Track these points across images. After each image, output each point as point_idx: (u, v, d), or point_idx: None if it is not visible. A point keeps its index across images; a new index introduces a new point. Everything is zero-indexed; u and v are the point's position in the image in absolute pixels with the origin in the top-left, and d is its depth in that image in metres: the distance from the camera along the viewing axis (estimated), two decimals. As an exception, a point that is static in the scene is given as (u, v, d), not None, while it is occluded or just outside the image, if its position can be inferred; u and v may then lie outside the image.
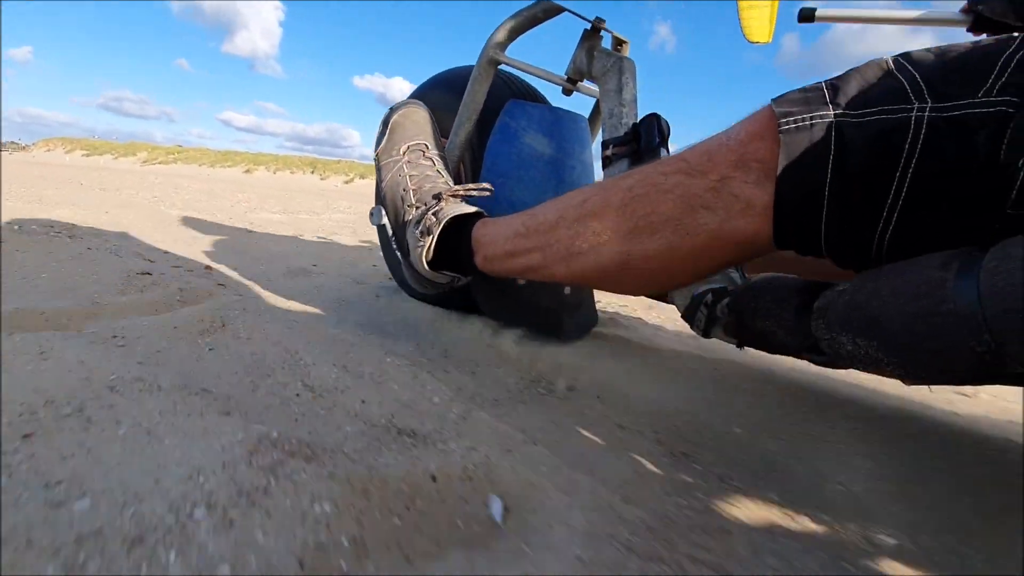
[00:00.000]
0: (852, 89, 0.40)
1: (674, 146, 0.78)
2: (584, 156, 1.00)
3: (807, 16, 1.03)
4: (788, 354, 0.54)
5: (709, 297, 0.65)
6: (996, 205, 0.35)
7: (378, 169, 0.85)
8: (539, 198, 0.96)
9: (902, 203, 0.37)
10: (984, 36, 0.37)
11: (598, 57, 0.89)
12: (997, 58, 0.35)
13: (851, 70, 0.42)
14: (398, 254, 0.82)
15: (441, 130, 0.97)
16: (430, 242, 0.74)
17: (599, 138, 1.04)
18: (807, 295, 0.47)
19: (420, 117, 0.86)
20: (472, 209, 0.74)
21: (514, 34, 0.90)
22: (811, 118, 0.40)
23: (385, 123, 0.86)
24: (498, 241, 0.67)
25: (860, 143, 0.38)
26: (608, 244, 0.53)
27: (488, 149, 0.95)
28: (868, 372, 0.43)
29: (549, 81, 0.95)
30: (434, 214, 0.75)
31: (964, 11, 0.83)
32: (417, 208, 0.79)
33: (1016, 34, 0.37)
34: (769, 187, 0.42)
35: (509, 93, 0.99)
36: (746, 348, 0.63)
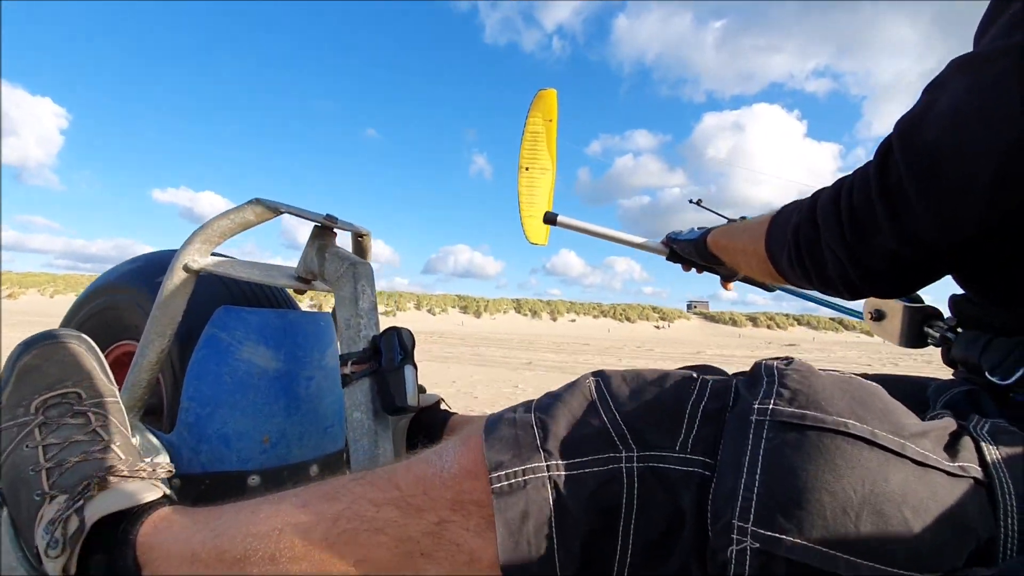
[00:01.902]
0: (562, 429, 0.38)
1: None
2: (325, 361, 0.86)
3: (550, 219, 1.15)
4: None
5: None
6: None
7: (-9, 438, 0.58)
8: (264, 426, 0.78)
9: (630, 561, 0.36)
10: (672, 372, 0.37)
11: (330, 259, 0.79)
12: (684, 407, 0.38)
13: (558, 400, 0.40)
14: (25, 569, 0.54)
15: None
16: (67, 557, 0.50)
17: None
18: None
19: (70, 353, 0.62)
20: (141, 498, 0.53)
21: (220, 238, 0.75)
22: (523, 472, 0.36)
23: (9, 367, 0.60)
24: (172, 561, 0.47)
25: (578, 506, 0.36)
26: None
27: (190, 370, 0.75)
28: None
29: (273, 285, 0.81)
30: (76, 511, 0.51)
31: (664, 243, 0.96)
32: (52, 499, 0.54)
33: (695, 374, 0.40)
34: (492, 537, 0.37)
35: (226, 296, 0.82)
36: None
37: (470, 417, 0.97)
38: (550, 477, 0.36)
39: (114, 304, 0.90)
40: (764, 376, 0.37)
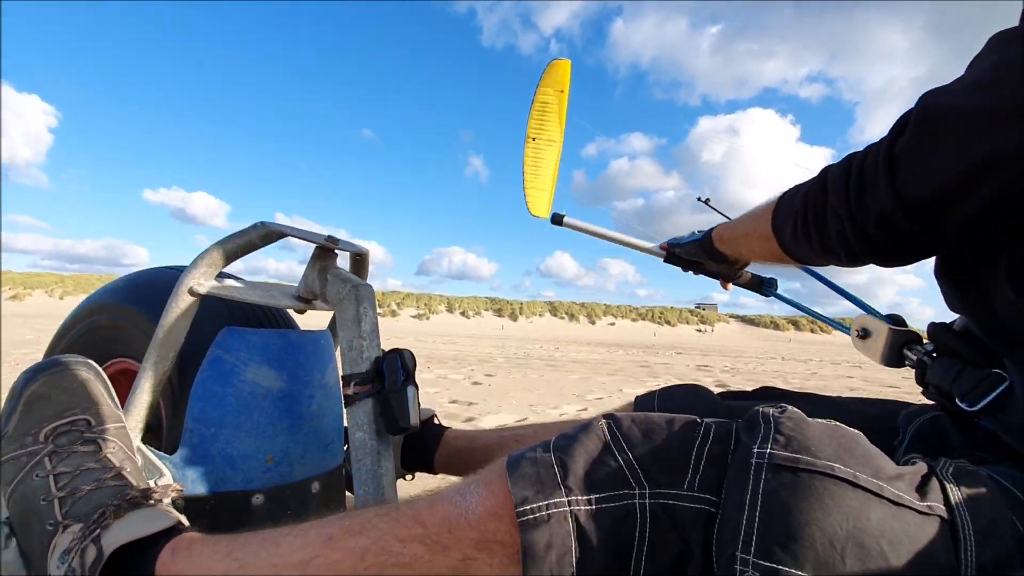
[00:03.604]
0: (580, 467, 0.41)
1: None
2: (325, 380, 0.87)
3: (557, 219, 1.16)
4: None
5: None
6: None
7: (2, 468, 0.58)
8: (267, 446, 0.79)
9: None
10: (677, 416, 0.41)
11: (332, 281, 0.80)
12: (691, 449, 0.41)
13: (575, 440, 0.43)
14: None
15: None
16: (85, 588, 0.51)
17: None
18: None
19: (79, 381, 0.63)
20: (158, 525, 0.54)
21: (224, 261, 0.75)
22: (547, 507, 0.40)
23: (16, 396, 0.60)
24: None
25: (597, 538, 0.39)
26: None
27: (194, 392, 0.75)
28: None
29: (276, 306, 0.82)
30: (93, 540, 0.52)
31: (662, 247, 1.00)
32: (66, 528, 0.55)
33: (699, 419, 0.43)
34: (514, 572, 0.40)
35: (227, 317, 0.82)
36: None
37: (464, 432, 0.99)
38: (571, 512, 0.39)
39: (108, 323, 0.90)
40: (762, 423, 0.41)
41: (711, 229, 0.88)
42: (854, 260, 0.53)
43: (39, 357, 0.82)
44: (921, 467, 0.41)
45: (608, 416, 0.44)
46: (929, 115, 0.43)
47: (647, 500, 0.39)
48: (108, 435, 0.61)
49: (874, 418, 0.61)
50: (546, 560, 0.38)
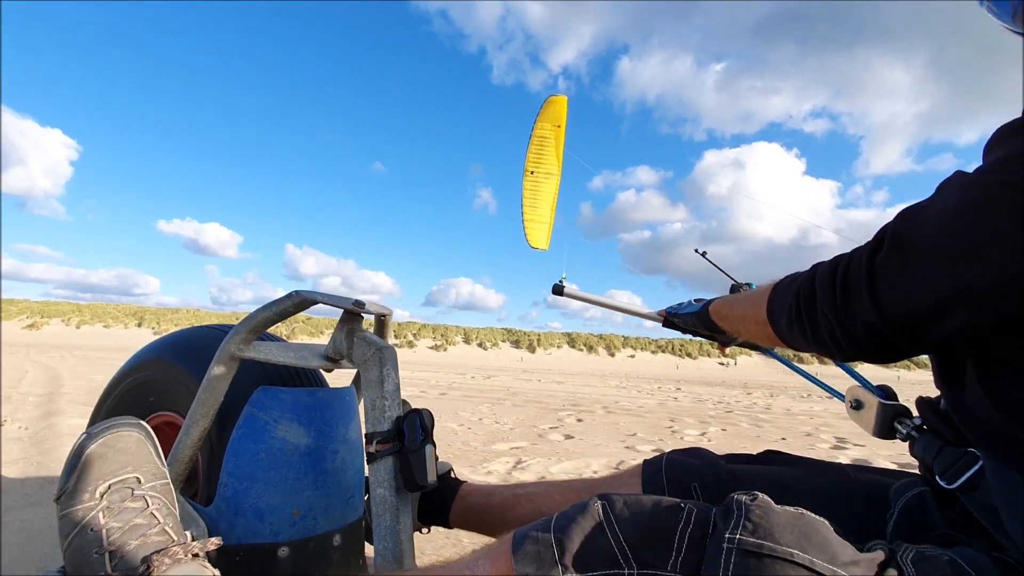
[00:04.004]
0: (575, 546, 0.46)
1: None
2: (349, 434, 0.93)
3: (558, 290, 1.21)
4: None
5: None
6: None
7: (60, 521, 0.64)
8: (294, 500, 0.84)
9: None
10: (664, 499, 0.46)
11: (358, 344, 0.87)
12: (674, 533, 0.46)
13: (572, 521, 0.48)
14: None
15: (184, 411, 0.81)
16: (132, 638, 0.56)
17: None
18: None
19: (131, 442, 0.70)
20: (204, 574, 0.59)
21: (263, 327, 0.83)
22: None
23: (77, 455, 0.67)
24: None
25: None
26: None
27: (230, 447, 0.81)
28: None
29: (306, 367, 0.89)
30: (140, 592, 0.58)
31: (660, 314, 1.04)
32: (116, 580, 0.60)
33: (682, 504, 0.47)
34: None
35: (262, 375, 0.89)
36: None
37: (480, 487, 1.03)
38: None
39: (154, 378, 0.98)
40: (735, 510, 0.45)
41: (708, 303, 0.92)
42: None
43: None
44: (878, 555, 0.44)
45: (603, 497, 0.48)
46: (902, 241, 0.47)
47: None
48: (154, 492, 0.67)
49: (869, 487, 0.64)
50: None
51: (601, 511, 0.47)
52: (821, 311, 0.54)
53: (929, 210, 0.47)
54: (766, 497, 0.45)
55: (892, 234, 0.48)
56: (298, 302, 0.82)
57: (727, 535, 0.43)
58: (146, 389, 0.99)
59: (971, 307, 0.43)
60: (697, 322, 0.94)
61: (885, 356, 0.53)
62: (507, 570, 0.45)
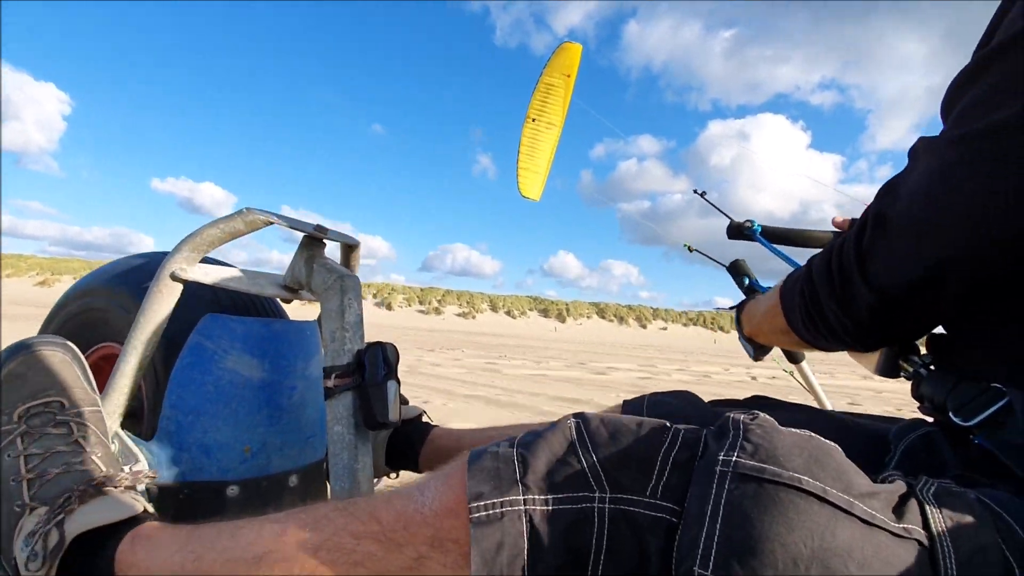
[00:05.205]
0: (541, 466, 0.40)
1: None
2: (309, 371, 0.86)
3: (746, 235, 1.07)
4: None
5: None
6: None
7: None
8: (245, 436, 0.78)
9: None
10: (646, 420, 0.41)
11: (318, 271, 0.79)
12: (657, 455, 0.39)
13: (540, 438, 0.41)
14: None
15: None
16: (46, 571, 0.50)
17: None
18: None
19: (55, 361, 0.62)
20: (121, 513, 0.53)
21: (207, 247, 0.75)
22: (501, 504, 0.38)
23: (-9, 376, 0.60)
24: None
25: (551, 541, 0.37)
26: None
27: (173, 378, 0.75)
28: None
29: (260, 294, 0.81)
30: (57, 525, 0.52)
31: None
32: (32, 511, 0.54)
33: (668, 424, 0.41)
34: (467, 571, 0.38)
35: (212, 303, 0.82)
36: None
37: (450, 431, 0.98)
38: (526, 511, 0.38)
39: (96, 306, 0.90)
40: (731, 429, 0.39)
41: (738, 318, 0.83)
42: (867, 347, 0.55)
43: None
44: (900, 486, 0.39)
45: (578, 415, 0.42)
46: (884, 220, 0.46)
47: (607, 504, 0.38)
48: (80, 418, 0.61)
49: (866, 430, 0.60)
50: (496, 561, 0.36)
51: (574, 429, 0.41)
52: (827, 305, 0.52)
53: (903, 184, 0.46)
54: (768, 416, 0.39)
55: (874, 214, 0.47)
56: (249, 220, 0.74)
57: (720, 456, 0.37)
58: (91, 317, 0.91)
59: (959, 273, 0.43)
60: (741, 339, 0.85)
61: (901, 337, 0.53)
62: (459, 490, 0.39)
